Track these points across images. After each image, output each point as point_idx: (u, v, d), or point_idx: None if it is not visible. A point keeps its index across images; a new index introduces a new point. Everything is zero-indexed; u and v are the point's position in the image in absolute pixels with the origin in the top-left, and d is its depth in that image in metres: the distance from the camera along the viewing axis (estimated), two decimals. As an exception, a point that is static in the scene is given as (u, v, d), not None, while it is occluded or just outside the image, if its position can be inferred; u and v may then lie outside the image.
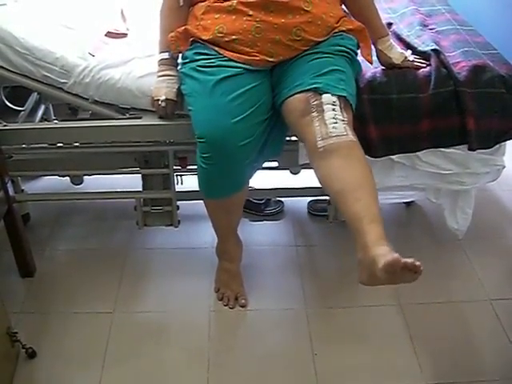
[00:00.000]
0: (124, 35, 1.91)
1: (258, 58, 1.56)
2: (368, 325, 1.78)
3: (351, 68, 1.61)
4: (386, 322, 1.79)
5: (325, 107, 1.44)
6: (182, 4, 1.69)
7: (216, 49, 1.58)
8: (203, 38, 1.59)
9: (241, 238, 1.86)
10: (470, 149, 1.72)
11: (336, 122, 1.42)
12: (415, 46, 1.80)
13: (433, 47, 1.78)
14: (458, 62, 1.75)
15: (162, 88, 1.65)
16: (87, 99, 1.72)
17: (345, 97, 1.48)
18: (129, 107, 1.75)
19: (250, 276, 1.91)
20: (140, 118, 1.72)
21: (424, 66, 1.74)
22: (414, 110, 1.69)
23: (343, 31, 1.62)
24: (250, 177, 1.69)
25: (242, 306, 1.82)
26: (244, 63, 1.55)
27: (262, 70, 1.58)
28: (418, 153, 1.76)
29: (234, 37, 1.55)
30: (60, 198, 2.10)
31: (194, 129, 1.55)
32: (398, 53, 1.73)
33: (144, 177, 1.88)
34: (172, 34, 1.64)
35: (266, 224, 2.17)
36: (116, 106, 1.74)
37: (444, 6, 2.13)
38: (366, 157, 1.67)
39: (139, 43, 1.84)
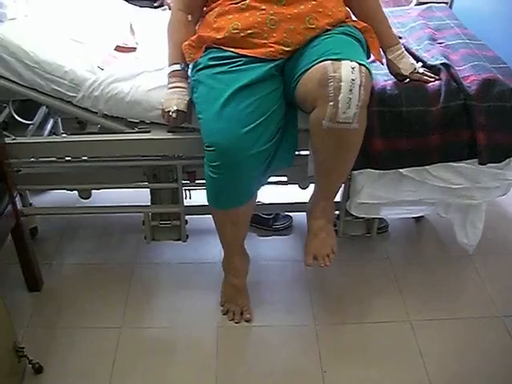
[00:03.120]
0: (133, 49, 1.91)
1: (274, 49, 1.57)
2: (378, 341, 1.75)
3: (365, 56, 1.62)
4: (395, 338, 1.76)
5: (342, 84, 1.42)
6: (190, 19, 1.72)
7: (231, 49, 1.59)
8: (218, 37, 1.60)
9: (248, 253, 1.84)
10: (480, 163, 1.70)
11: (349, 107, 1.43)
12: (424, 59, 1.80)
13: (442, 61, 1.77)
14: (468, 76, 1.73)
15: (173, 99, 1.65)
16: (96, 113, 1.72)
17: (365, 65, 1.47)
18: (137, 121, 1.74)
19: (259, 291, 1.89)
20: (149, 131, 1.72)
21: (433, 79, 1.73)
22: (424, 123, 1.68)
23: (354, 26, 1.64)
24: (258, 189, 1.67)
25: (247, 321, 1.80)
26: (260, 57, 1.56)
27: (276, 75, 1.59)
28: (427, 167, 1.75)
29: (249, 31, 1.57)
30: (68, 213, 2.10)
31: (203, 137, 1.55)
32: (408, 63, 1.72)
33: (152, 191, 1.88)
34: (186, 42, 1.66)
35: (274, 239, 2.15)
36: (125, 120, 1.74)
37: (453, 20, 2.12)
38: (373, 171, 1.73)
39: (148, 57, 1.85)
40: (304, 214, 2.17)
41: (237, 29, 1.59)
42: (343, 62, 1.44)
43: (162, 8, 2.23)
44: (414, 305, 1.86)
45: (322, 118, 1.46)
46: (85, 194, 1.98)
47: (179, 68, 1.69)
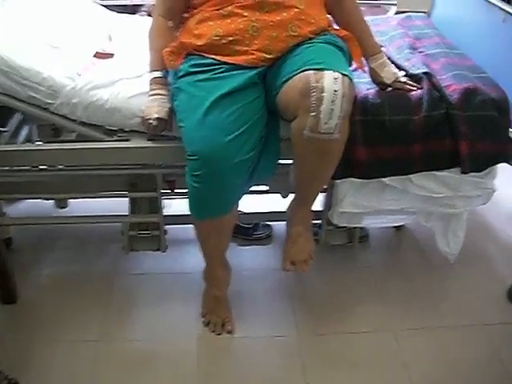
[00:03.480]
0: (111, 55, 1.88)
1: (255, 56, 1.55)
2: (361, 352, 1.73)
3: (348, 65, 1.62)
4: (378, 348, 1.75)
5: (325, 95, 1.40)
6: (171, 25, 1.70)
7: (212, 56, 1.57)
8: (199, 43, 1.58)
9: (229, 263, 1.81)
10: (462, 172, 1.70)
11: (331, 118, 1.41)
12: (406, 68, 1.80)
13: (424, 70, 1.77)
14: (450, 85, 1.74)
15: (154, 107, 1.62)
16: (74, 120, 1.68)
17: (347, 76, 1.45)
18: (116, 129, 1.70)
19: (240, 302, 1.86)
20: (128, 140, 1.68)
21: (415, 88, 1.73)
22: (407, 132, 1.67)
23: (336, 35, 1.64)
24: (240, 198, 1.65)
25: (229, 332, 1.77)
26: (242, 65, 1.54)
27: (258, 83, 1.57)
28: (410, 175, 1.75)
29: (231, 38, 1.55)
30: (44, 222, 2.04)
31: (185, 146, 1.52)
32: (390, 72, 1.72)
33: (131, 200, 1.84)
34: (167, 48, 1.63)
35: (254, 248, 2.13)
36: (103, 128, 1.70)
37: (432, 29, 2.13)
38: (355, 180, 1.72)
39: (127, 64, 1.81)
40: (284, 223, 2.17)
41: (218, 35, 1.57)
42: (326, 72, 1.42)
43: (140, 14, 2.19)
44: (397, 313, 1.86)
45: (303, 128, 1.44)
46: (61, 204, 1.94)
47: (160, 75, 1.66)
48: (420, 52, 1.97)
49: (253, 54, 1.56)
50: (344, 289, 1.96)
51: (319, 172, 1.60)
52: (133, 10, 2.20)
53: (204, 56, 1.59)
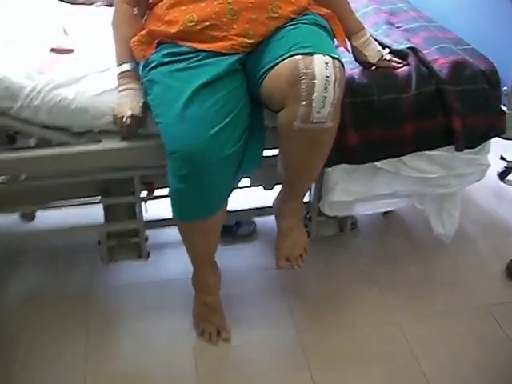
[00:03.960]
0: (70, 51, 1.71)
1: (235, 42, 1.42)
2: (367, 347, 1.64)
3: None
4: (385, 342, 1.66)
5: (316, 82, 1.28)
6: (136, 12, 1.55)
7: (188, 44, 1.43)
8: (172, 31, 1.44)
9: (218, 266, 1.68)
10: (457, 149, 1.62)
11: (323, 106, 1.30)
12: (388, 45, 1.70)
13: (408, 45, 1.69)
14: (436, 59, 1.66)
15: (126, 103, 1.47)
16: (38, 124, 1.51)
17: (338, 59, 1.34)
18: (85, 131, 1.54)
19: (233, 306, 1.73)
20: (99, 141, 1.52)
21: (401, 65, 1.64)
22: (397, 112, 1.58)
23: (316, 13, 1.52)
24: (229, 195, 1.52)
25: (226, 340, 1.64)
26: (221, 52, 1.41)
27: (239, 70, 1.45)
28: (402, 157, 1.66)
29: (207, 23, 1.42)
30: (8, 238, 1.84)
31: (165, 144, 1.39)
32: (374, 50, 1.61)
33: (106, 207, 1.69)
34: (135, 38, 1.49)
35: (240, 247, 2.01)
36: (70, 130, 1.53)
37: (405, 3, 2.05)
38: (347, 166, 1.63)
39: (90, 58, 1.65)
40: (269, 217, 2.05)
41: (193, 21, 1.43)
42: (315, 56, 1.31)
43: (97, 4, 2.02)
44: (397, 304, 1.77)
45: (293, 119, 1.33)
46: (27, 216, 1.77)
47: (129, 68, 1.51)
48: (398, 27, 1.88)
49: (232, 39, 1.43)
50: (339, 281, 1.86)
51: (311, 163, 1.49)
52: (88, 0, 2.02)
53: (178, 44, 1.45)
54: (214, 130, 1.34)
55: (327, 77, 1.30)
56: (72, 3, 1.98)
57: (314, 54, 1.31)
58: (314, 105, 1.30)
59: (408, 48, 1.68)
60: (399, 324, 1.70)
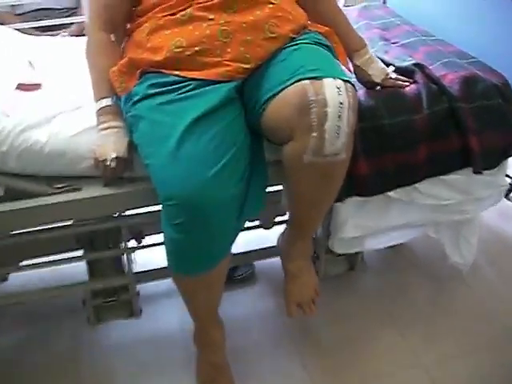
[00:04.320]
0: (37, 86, 1.51)
1: (231, 68, 1.25)
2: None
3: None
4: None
5: (329, 111, 1.13)
6: (113, 39, 1.37)
7: (176, 72, 1.26)
8: (156, 59, 1.26)
9: (222, 319, 1.48)
10: (475, 171, 1.49)
11: (338, 137, 1.14)
12: (390, 62, 1.56)
13: (412, 61, 1.55)
14: (444, 75, 1.52)
15: (109, 144, 1.28)
16: (6, 173, 1.30)
17: (349, 81, 1.19)
18: (62, 178, 1.34)
19: (238, 361, 1.52)
20: (79, 189, 1.32)
21: (408, 84, 1.50)
22: (410, 135, 1.44)
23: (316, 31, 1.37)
24: (233, 242, 1.33)
25: (237, 403, 1.45)
26: (215, 79, 1.24)
27: (236, 98, 1.28)
28: (416, 185, 1.51)
29: (197, 48, 1.25)
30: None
31: (157, 189, 1.21)
32: (379, 69, 1.47)
33: (90, 262, 1.48)
34: (113, 68, 1.31)
35: (239, 292, 1.80)
36: (45, 178, 1.33)
37: (396, 17, 1.92)
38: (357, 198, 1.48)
39: (60, 94, 1.46)
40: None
41: (180, 46, 1.26)
42: (325, 80, 1.15)
43: (62, 34, 1.83)
44: (418, 344, 1.61)
45: (303, 152, 1.16)
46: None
47: (110, 103, 1.33)
48: (394, 43, 1.75)
49: (226, 65, 1.26)
50: (353, 323, 1.68)
51: (322, 199, 1.33)
52: (51, 30, 1.83)
53: (164, 73, 1.27)
54: (213, 170, 1.16)
55: (341, 103, 1.14)
56: (36, 35, 1.78)
57: (323, 77, 1.15)
58: (326, 136, 1.14)
59: (413, 64, 1.54)
60: (425, 367, 1.54)
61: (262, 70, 1.27)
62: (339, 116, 1.14)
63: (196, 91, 1.24)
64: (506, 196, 2.20)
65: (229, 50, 1.26)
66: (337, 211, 1.51)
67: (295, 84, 1.16)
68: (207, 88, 1.25)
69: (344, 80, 1.17)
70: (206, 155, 1.17)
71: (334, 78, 1.16)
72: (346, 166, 1.26)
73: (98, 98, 1.33)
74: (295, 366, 1.55)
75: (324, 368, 1.55)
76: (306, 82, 1.15)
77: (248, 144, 1.28)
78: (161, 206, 1.21)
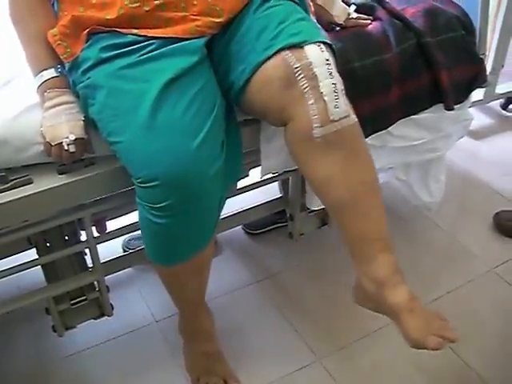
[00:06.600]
0: None
1: (200, 23, 1.08)
2: (389, 348, 1.41)
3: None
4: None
5: (317, 70, 1.01)
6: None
7: (134, 31, 1.07)
8: (108, 16, 1.07)
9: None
10: (447, 108, 1.44)
11: (337, 97, 1.01)
12: (350, 1, 1.45)
13: (370, -3, 1.45)
14: (405, 9, 1.45)
15: (62, 124, 1.07)
16: None
17: (330, 45, 1.08)
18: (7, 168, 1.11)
19: (232, 342, 1.41)
20: (30, 182, 1.10)
21: (370, 22, 1.40)
22: (382, 76, 1.36)
23: None
24: (221, 212, 1.18)
25: (237, 389, 1.34)
26: (183, 36, 1.07)
27: (206, 57, 1.11)
28: (389, 128, 1.43)
29: (157, 1, 1.06)
30: None
31: (131, 169, 1.03)
32: (341, 9, 1.35)
33: (45, 264, 1.26)
34: (52, 31, 1.09)
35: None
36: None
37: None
38: None
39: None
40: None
41: (137, 1, 1.06)
42: (306, 47, 1.03)
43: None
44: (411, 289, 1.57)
45: (310, 128, 1.01)
46: None
47: (55, 73, 1.10)
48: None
49: (194, 19, 1.08)
50: (338, 283, 1.59)
51: (361, 186, 1.07)
52: None
53: (119, 33, 1.07)
54: (196, 140, 1.00)
55: (327, 60, 1.03)
56: None
57: (304, 43, 1.03)
58: (326, 98, 1.01)
59: (372, 0, 1.44)
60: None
61: (234, 28, 1.11)
62: (330, 73, 1.02)
63: (161, 50, 1.06)
64: (504, 108, 2.40)
65: (195, 2, 1.08)
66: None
67: (274, 56, 1.02)
68: (174, 46, 1.07)
69: (324, 43, 1.06)
70: (185, 124, 1.01)
71: (315, 43, 1.03)
72: (362, 133, 1.10)
73: (39, 71, 1.10)
74: (290, 338, 1.46)
75: (318, 330, 1.48)
76: (286, 52, 1.02)
77: (224, 105, 1.12)
78: (136, 188, 1.04)
